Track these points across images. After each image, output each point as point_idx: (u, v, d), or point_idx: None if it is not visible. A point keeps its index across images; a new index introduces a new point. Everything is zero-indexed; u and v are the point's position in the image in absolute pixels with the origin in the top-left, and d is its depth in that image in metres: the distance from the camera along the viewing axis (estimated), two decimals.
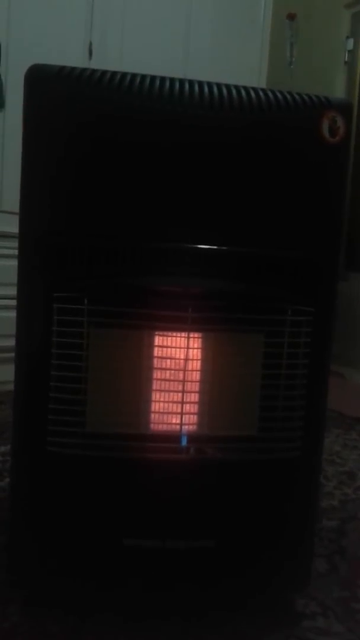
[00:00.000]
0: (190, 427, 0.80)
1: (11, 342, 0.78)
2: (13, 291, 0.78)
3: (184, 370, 0.78)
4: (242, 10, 2.44)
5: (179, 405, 0.78)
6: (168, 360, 0.78)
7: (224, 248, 0.76)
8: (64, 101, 0.73)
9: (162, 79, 0.75)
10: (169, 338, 0.77)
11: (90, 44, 2.09)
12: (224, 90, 0.76)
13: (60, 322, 0.74)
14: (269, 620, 0.84)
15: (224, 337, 0.79)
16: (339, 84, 2.89)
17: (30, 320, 0.76)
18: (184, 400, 0.78)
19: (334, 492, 1.35)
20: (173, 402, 0.78)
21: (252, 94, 0.76)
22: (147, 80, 0.74)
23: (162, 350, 0.78)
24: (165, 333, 0.77)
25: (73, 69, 0.74)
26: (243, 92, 0.76)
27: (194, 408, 0.80)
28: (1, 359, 1.69)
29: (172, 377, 0.78)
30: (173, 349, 0.77)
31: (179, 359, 0.78)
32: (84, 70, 0.74)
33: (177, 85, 0.75)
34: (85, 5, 2.07)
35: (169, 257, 0.75)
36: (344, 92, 2.88)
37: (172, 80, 0.75)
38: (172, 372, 0.78)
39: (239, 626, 0.82)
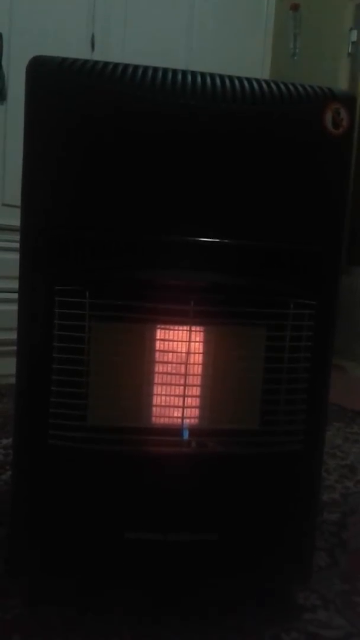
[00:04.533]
0: (192, 420, 0.80)
1: (13, 335, 0.78)
2: (15, 284, 0.78)
3: (186, 363, 0.78)
4: (245, 1, 2.43)
5: (181, 399, 0.78)
6: (170, 354, 0.78)
7: (226, 241, 0.75)
8: (66, 93, 0.72)
9: (165, 70, 0.74)
10: (171, 331, 0.77)
11: (93, 36, 2.08)
12: (227, 82, 0.75)
13: (61, 315, 0.74)
14: (270, 613, 0.84)
15: (226, 331, 0.79)
16: (342, 76, 2.87)
17: (32, 314, 0.76)
18: (186, 393, 0.78)
19: (335, 485, 1.35)
20: (175, 395, 0.78)
21: (255, 85, 0.76)
22: (150, 72, 0.74)
23: (164, 344, 0.78)
24: (167, 326, 0.77)
25: (75, 60, 0.73)
26: (246, 84, 0.75)
27: (196, 401, 0.80)
28: (3, 352, 1.69)
29: (174, 371, 0.78)
30: (175, 343, 0.77)
31: (181, 352, 0.77)
32: (85, 62, 0.73)
33: (179, 76, 0.74)
34: None
35: (171, 250, 0.75)
36: (348, 83, 2.87)
37: (174, 71, 0.74)
38: (174, 365, 0.78)
39: (240, 619, 0.82)
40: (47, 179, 0.74)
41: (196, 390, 0.79)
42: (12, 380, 0.79)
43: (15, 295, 0.77)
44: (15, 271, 0.77)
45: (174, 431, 0.79)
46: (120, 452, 0.77)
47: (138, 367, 0.78)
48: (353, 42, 2.86)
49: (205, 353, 0.79)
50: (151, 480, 0.78)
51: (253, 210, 0.76)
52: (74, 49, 2.02)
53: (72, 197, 0.74)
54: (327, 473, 1.42)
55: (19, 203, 0.76)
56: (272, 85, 0.76)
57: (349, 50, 2.87)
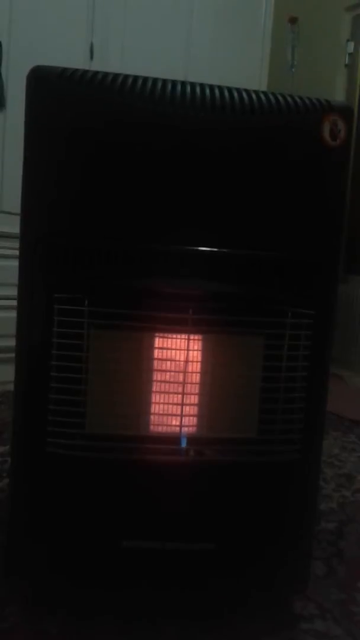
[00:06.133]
0: (190, 429, 0.80)
1: (11, 343, 0.78)
2: (14, 292, 0.78)
3: (184, 372, 0.78)
4: (243, 13, 2.45)
5: (179, 407, 0.78)
6: (168, 362, 0.78)
7: (225, 250, 0.76)
8: (66, 103, 0.73)
9: (164, 81, 0.75)
10: (169, 340, 0.77)
11: (92, 45, 2.09)
12: (225, 93, 0.76)
13: (60, 323, 0.74)
14: (267, 623, 0.84)
15: (224, 339, 0.80)
16: (339, 87, 2.90)
17: (31, 321, 0.76)
18: (184, 402, 0.78)
19: (333, 494, 1.35)
20: (173, 403, 0.78)
21: (254, 96, 0.76)
22: (149, 83, 0.74)
23: (162, 352, 0.78)
24: (165, 335, 0.77)
25: (75, 70, 0.74)
26: (244, 95, 0.76)
27: (194, 410, 0.80)
28: (1, 359, 1.69)
29: (172, 379, 0.78)
30: (173, 351, 0.78)
31: (179, 360, 0.78)
32: (86, 72, 0.74)
33: (178, 87, 0.75)
34: (86, 6, 2.07)
35: (170, 259, 0.75)
36: (345, 95, 2.89)
37: (173, 82, 0.75)
38: (172, 373, 0.78)
39: (237, 628, 0.82)
40: (46, 188, 0.74)
41: (194, 399, 0.79)
42: (11, 388, 0.79)
43: (15, 303, 0.77)
44: (14, 278, 0.77)
45: (171, 439, 0.79)
46: (118, 460, 0.77)
47: (136, 375, 0.78)
48: (350, 54, 2.89)
49: (204, 361, 0.79)
50: (149, 488, 0.78)
51: (251, 220, 0.77)
52: (73, 57, 2.03)
53: (72, 205, 0.75)
54: (325, 482, 1.42)
55: (18, 210, 0.76)
56: (270, 96, 0.77)
57: (346, 62, 2.89)
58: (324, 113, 0.77)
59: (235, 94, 0.76)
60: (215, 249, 0.76)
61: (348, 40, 2.88)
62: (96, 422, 0.77)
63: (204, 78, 0.90)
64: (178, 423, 0.78)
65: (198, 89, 0.75)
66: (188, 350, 0.77)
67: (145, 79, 0.75)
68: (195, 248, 0.75)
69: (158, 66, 2.12)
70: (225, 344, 0.80)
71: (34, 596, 0.84)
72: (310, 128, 0.77)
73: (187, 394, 0.78)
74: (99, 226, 0.75)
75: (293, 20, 2.86)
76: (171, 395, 0.78)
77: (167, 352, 0.78)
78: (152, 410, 0.79)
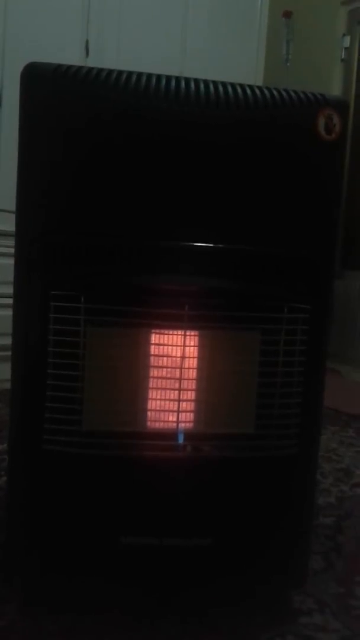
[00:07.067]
0: (187, 424, 0.80)
1: (8, 341, 0.78)
2: (10, 289, 0.78)
3: (181, 368, 0.78)
4: (238, 7, 2.44)
5: (176, 403, 0.78)
6: (165, 358, 0.78)
7: (221, 246, 0.76)
8: (61, 99, 0.73)
9: (159, 76, 0.75)
10: (166, 336, 0.77)
11: (87, 42, 2.08)
12: (221, 88, 0.76)
13: (57, 320, 0.74)
14: (265, 617, 0.84)
15: (221, 335, 0.80)
16: (335, 82, 2.89)
17: (27, 319, 0.76)
18: (181, 398, 0.78)
19: (331, 489, 1.35)
20: (170, 399, 0.78)
21: (249, 91, 0.76)
22: (144, 78, 0.74)
23: (158, 348, 0.78)
24: (162, 331, 0.77)
25: (70, 67, 0.73)
26: (239, 90, 0.76)
27: (191, 406, 0.80)
28: None
29: (168, 375, 0.78)
30: (170, 347, 0.78)
31: (176, 357, 0.78)
32: (80, 68, 0.74)
33: (173, 82, 0.74)
34: (81, 3, 2.06)
35: (166, 255, 0.75)
36: (341, 89, 2.89)
37: (168, 78, 0.75)
38: (169, 370, 0.78)
39: (236, 623, 0.82)
40: (42, 185, 0.74)
41: (191, 395, 0.79)
42: (7, 386, 0.79)
43: (11, 300, 0.77)
44: (10, 276, 0.77)
45: (169, 435, 0.79)
46: (115, 456, 0.77)
47: (133, 371, 0.78)
48: (346, 48, 2.88)
49: (200, 357, 0.79)
50: (146, 485, 0.78)
51: (247, 215, 0.77)
52: (69, 54, 2.03)
53: (68, 202, 0.74)
54: (323, 477, 1.42)
55: (13, 208, 0.76)
56: (265, 91, 0.77)
57: (342, 56, 2.89)
58: (319, 107, 0.77)
59: (230, 89, 0.76)
60: (211, 245, 0.75)
61: (344, 35, 2.88)
62: (93, 419, 0.77)
63: (199, 73, 0.90)
64: (175, 419, 0.78)
65: (193, 84, 0.75)
66: (184, 346, 0.77)
67: (140, 75, 0.74)
68: (191, 244, 0.75)
69: (154, 61, 2.12)
70: (221, 340, 0.80)
71: (33, 594, 0.84)
72: (305, 122, 0.77)
73: (184, 390, 0.78)
74: (94, 223, 0.75)
75: (288, 14, 2.86)
76: (168, 392, 0.78)
77: (163, 349, 0.78)
78: (149, 407, 0.79)
